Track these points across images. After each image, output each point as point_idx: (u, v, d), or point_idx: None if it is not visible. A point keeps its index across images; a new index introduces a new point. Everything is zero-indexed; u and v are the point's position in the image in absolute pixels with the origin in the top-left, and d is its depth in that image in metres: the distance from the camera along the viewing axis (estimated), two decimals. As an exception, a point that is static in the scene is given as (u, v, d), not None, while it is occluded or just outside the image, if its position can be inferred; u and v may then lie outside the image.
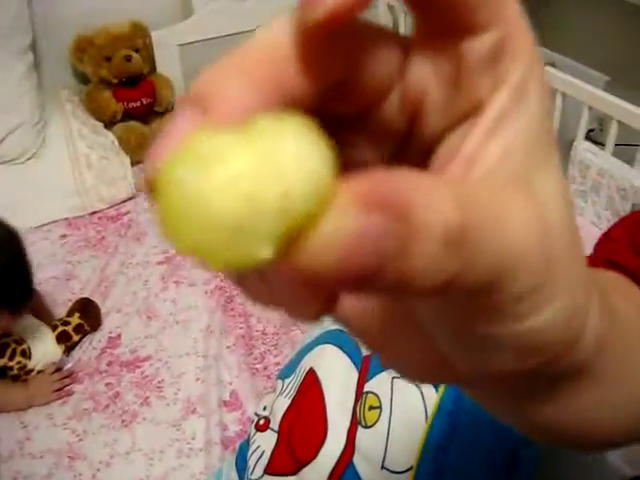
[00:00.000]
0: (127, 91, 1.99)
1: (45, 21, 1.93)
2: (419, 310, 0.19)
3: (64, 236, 1.70)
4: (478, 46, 0.17)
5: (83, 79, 2.09)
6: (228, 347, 1.35)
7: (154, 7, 2.10)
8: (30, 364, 1.29)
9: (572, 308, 0.19)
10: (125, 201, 1.82)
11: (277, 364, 1.30)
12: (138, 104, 2.01)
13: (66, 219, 1.75)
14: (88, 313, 1.41)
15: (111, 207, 1.80)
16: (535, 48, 0.18)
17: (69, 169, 1.79)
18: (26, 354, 1.28)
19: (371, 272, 0.14)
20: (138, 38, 2.02)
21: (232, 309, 1.45)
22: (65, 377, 1.28)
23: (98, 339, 1.40)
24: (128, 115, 2.00)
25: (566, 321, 0.19)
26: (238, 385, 1.26)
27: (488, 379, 0.22)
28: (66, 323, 1.37)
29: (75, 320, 1.38)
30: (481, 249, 0.15)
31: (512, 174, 0.17)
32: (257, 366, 1.31)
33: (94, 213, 1.79)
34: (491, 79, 0.17)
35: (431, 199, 0.14)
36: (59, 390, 1.26)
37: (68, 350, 1.36)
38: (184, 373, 1.30)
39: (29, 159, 1.77)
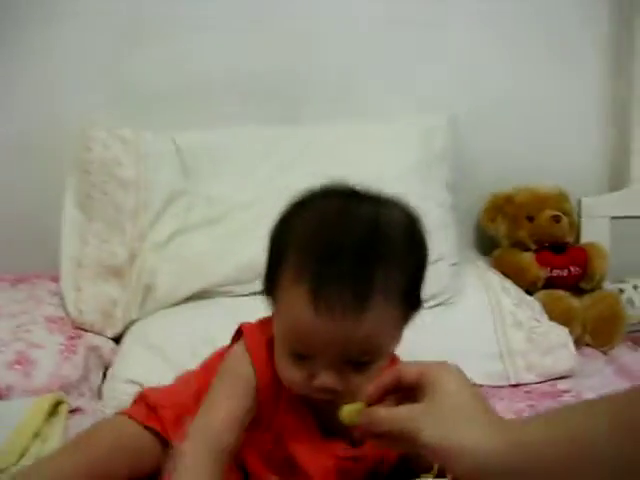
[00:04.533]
0: (554, 256, 1.59)
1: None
2: None
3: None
4: None
5: (483, 242, 1.77)
6: None
7: (576, 174, 1.76)
8: None
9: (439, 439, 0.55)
10: (563, 377, 1.31)
11: None
12: (565, 273, 1.58)
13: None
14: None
15: (544, 381, 1.30)
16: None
17: (490, 325, 1.36)
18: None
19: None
20: (564, 202, 1.67)
21: None
22: None
23: None
24: (552, 282, 1.58)
25: (436, 445, 0.55)
26: None
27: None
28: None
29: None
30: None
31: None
32: None
33: (518, 385, 1.30)
34: None
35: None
36: None
37: None
38: None
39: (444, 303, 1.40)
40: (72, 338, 1.31)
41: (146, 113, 1.58)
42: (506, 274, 1.58)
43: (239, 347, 0.81)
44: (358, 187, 0.75)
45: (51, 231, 1.49)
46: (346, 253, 0.68)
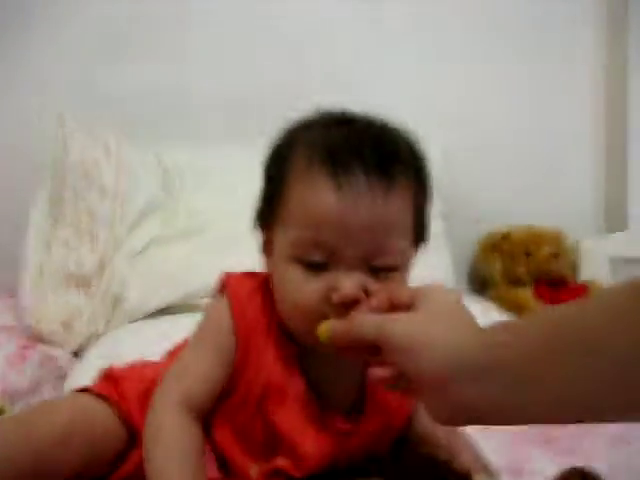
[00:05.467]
0: (553, 291, 1.50)
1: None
2: None
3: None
4: None
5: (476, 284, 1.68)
6: None
7: (574, 216, 1.70)
8: None
9: (410, 336, 0.51)
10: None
11: None
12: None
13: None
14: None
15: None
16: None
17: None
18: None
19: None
20: (562, 242, 1.61)
21: None
22: None
23: None
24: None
25: (406, 342, 0.51)
26: None
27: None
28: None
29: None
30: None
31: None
32: None
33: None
34: None
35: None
36: None
37: None
38: None
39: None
40: (25, 348, 1.16)
41: (127, 127, 1.51)
42: (504, 310, 1.47)
43: (218, 298, 0.69)
44: (352, 113, 0.68)
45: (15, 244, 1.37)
46: (364, 144, 0.61)
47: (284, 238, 0.63)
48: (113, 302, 1.24)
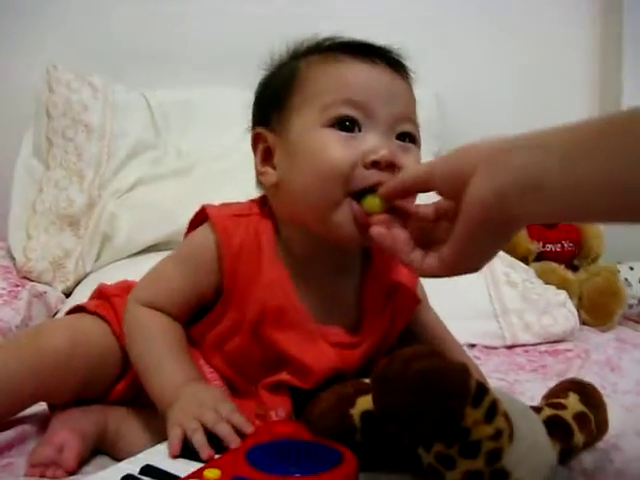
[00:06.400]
0: (546, 231, 1.49)
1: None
2: None
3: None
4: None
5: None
6: None
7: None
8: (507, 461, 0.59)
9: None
10: (561, 341, 1.19)
11: None
12: (558, 247, 1.48)
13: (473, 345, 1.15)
14: (590, 400, 0.71)
15: (542, 343, 1.17)
16: None
17: (482, 283, 1.24)
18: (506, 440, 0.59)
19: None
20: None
21: None
22: None
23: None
24: (544, 258, 1.48)
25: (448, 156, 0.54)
26: None
27: None
28: (559, 406, 0.68)
29: (574, 404, 0.69)
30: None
31: None
32: None
33: (514, 347, 1.17)
34: None
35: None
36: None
37: (564, 454, 0.64)
38: None
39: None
40: (16, 286, 1.16)
41: (117, 68, 1.48)
42: (497, 251, 1.47)
43: (203, 227, 0.68)
44: None
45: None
46: (373, 46, 0.67)
47: (307, 114, 0.63)
48: (101, 241, 1.23)
